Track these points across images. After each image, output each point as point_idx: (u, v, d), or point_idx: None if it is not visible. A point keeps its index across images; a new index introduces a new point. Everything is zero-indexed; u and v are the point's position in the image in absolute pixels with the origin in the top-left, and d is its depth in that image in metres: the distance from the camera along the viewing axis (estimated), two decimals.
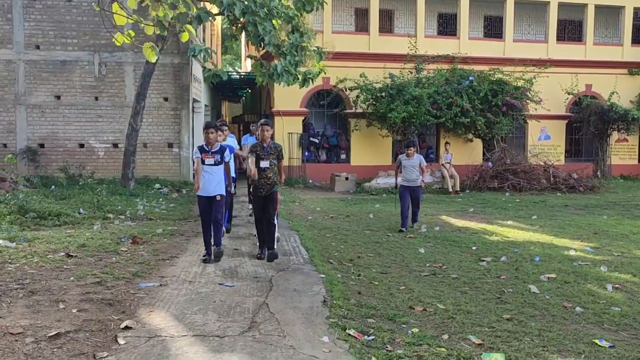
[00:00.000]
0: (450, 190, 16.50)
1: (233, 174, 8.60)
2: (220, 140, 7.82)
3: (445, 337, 4.70)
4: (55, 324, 4.39)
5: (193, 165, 7.40)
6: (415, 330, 4.80)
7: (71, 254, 6.93)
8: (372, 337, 4.56)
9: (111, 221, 9.78)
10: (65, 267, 6.30)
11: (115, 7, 5.58)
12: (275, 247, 7.22)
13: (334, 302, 5.36)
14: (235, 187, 8.90)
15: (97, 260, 6.72)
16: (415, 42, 19.00)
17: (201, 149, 7.03)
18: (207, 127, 7.01)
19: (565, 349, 4.50)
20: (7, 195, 10.61)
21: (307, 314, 4.96)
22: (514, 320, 5.18)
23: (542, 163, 17.97)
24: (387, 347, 4.39)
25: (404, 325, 4.93)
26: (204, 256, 7.00)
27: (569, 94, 20.31)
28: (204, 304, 5.08)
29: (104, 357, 3.83)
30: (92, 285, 5.57)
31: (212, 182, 6.94)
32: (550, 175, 17.19)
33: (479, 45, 20.17)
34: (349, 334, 4.53)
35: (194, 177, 7.20)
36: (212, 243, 7.04)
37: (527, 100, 18.78)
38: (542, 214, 12.43)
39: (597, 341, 4.66)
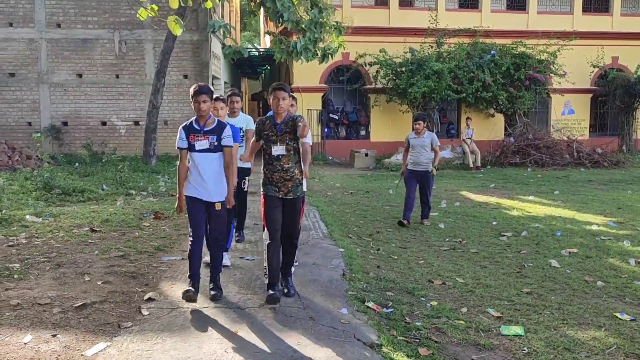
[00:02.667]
0: (471, 166, 16.35)
1: (245, 165, 5.93)
2: (223, 116, 5.42)
3: (464, 310, 4.72)
4: (81, 295, 4.51)
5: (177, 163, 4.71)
6: (434, 303, 4.83)
7: (95, 228, 7.08)
8: (390, 310, 4.60)
9: (133, 197, 9.93)
10: (89, 241, 6.44)
11: None
12: (290, 280, 4.85)
13: (353, 275, 5.40)
14: (247, 181, 6.35)
15: (120, 235, 6.85)
16: (436, 16, 18.65)
17: (188, 130, 4.52)
18: (198, 92, 4.46)
19: (585, 322, 4.48)
20: (33, 172, 10.82)
21: (326, 287, 5.01)
22: (534, 294, 5.16)
23: (565, 138, 17.66)
24: (405, 319, 4.42)
25: (423, 299, 4.96)
26: (185, 292, 4.43)
27: (594, 66, 19.80)
28: (224, 277, 5.16)
29: (129, 327, 3.93)
30: (116, 258, 5.70)
31: (208, 179, 4.50)
32: (574, 150, 16.90)
33: (501, 18, 19.71)
34: (368, 307, 4.58)
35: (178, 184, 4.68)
36: (211, 278, 4.69)
37: (551, 74, 18.38)
38: (564, 189, 12.26)
39: (618, 314, 4.63)
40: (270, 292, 4.44)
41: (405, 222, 8.09)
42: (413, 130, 8.25)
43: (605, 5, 21.18)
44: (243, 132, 6.14)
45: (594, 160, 16.68)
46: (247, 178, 6.34)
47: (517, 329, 4.30)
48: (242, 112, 6.44)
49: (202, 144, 4.49)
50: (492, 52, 17.87)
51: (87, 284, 4.82)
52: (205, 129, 4.53)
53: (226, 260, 5.46)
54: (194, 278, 4.54)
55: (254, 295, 4.74)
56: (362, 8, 19.06)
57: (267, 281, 4.57)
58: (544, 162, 16.44)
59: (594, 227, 8.15)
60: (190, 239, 4.54)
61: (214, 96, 4.85)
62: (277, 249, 4.57)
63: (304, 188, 4.77)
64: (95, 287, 4.75)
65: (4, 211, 7.54)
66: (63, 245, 6.20)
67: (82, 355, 3.44)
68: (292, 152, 4.54)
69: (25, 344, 3.57)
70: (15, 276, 4.93)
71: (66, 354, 3.45)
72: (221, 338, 3.83)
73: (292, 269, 4.94)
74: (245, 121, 6.28)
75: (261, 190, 4.65)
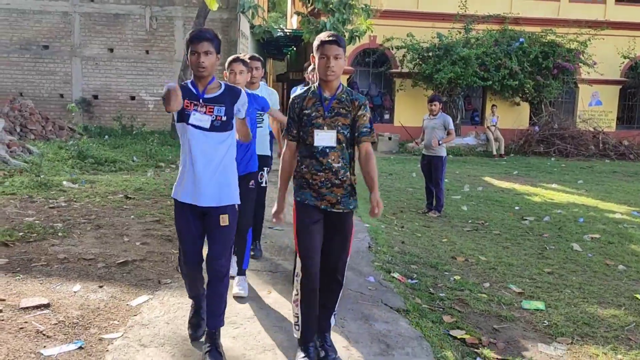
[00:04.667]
0: (495, 153, 16.35)
1: (263, 151, 4.74)
2: (242, 84, 4.04)
3: (487, 285, 4.88)
4: (122, 254, 4.77)
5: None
6: (457, 277, 4.99)
7: (129, 195, 7.35)
8: (415, 281, 4.77)
9: (162, 169, 10.21)
10: (125, 207, 6.71)
11: None
12: (329, 338, 3.23)
13: (379, 248, 5.58)
14: (267, 174, 4.83)
15: (153, 203, 7.11)
16: (465, 1, 18.51)
17: (183, 92, 2.97)
18: (194, 37, 2.97)
19: (605, 301, 4.60)
20: (67, 142, 11.16)
21: (353, 257, 5.17)
22: (555, 274, 5.29)
23: (591, 129, 17.52)
24: (430, 290, 4.60)
25: (446, 273, 5.12)
26: (190, 326, 3.32)
27: (625, 57, 19.48)
28: None
29: (168, 283, 4.16)
30: (151, 223, 5.95)
31: (206, 174, 3.03)
32: (599, 142, 16.78)
33: (532, 5, 19.47)
34: (393, 277, 4.75)
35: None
36: (207, 335, 3.08)
37: (580, 64, 18.17)
38: (588, 179, 12.25)
39: (638, 295, 4.74)
40: (302, 355, 3.06)
41: (427, 210, 7.94)
42: (428, 113, 8.01)
43: None
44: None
45: (619, 152, 16.57)
46: (265, 169, 4.79)
47: (538, 304, 4.45)
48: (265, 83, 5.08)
49: (200, 118, 3.00)
50: (521, 39, 17.70)
51: (127, 244, 5.07)
52: (205, 96, 3.03)
53: (242, 288, 4.00)
54: (197, 301, 3.33)
55: (285, 261, 4.95)
56: None
57: (297, 336, 3.16)
58: (568, 152, 16.37)
59: (617, 216, 8.19)
60: (181, 258, 3.23)
61: (234, 57, 3.65)
62: (314, 288, 3.10)
63: (356, 203, 3.22)
64: (135, 247, 5.00)
65: (42, 176, 7.85)
66: (100, 209, 6.48)
67: (127, 304, 3.69)
68: (345, 144, 3.08)
69: (75, 292, 3.83)
70: (60, 234, 5.21)
71: (113, 303, 3.70)
72: (255, 296, 4.04)
73: (333, 320, 3.28)
74: (268, 94, 4.74)
75: (293, 196, 3.20)
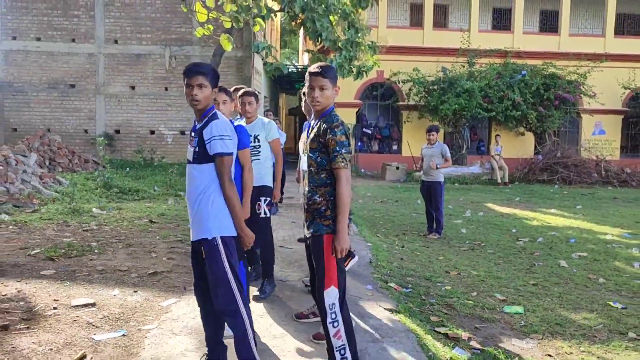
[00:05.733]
0: (499, 181, 16.92)
1: (260, 182, 4.70)
2: (226, 114, 3.86)
3: (474, 294, 5.45)
4: (151, 266, 5.45)
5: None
6: (448, 287, 5.57)
7: (153, 220, 8.06)
8: (409, 290, 5.37)
9: (182, 198, 10.93)
10: (150, 229, 7.41)
11: (198, 6, 6.58)
12: None
13: (378, 263, 6.19)
14: (265, 204, 4.77)
15: (175, 226, 7.80)
16: (469, 37, 19.40)
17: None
18: (188, 71, 3.09)
19: (580, 307, 5.15)
20: (93, 173, 11.98)
21: (354, 271, 5.81)
22: (539, 285, 5.84)
23: (594, 157, 18.05)
24: (422, 297, 5.19)
25: (439, 284, 5.71)
26: None
27: (625, 88, 20.15)
28: None
29: (191, 289, 4.80)
30: (175, 242, 6.64)
31: (189, 208, 3.14)
32: (602, 169, 17.28)
33: (533, 39, 20.31)
34: (390, 286, 5.36)
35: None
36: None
37: (581, 95, 18.83)
38: (587, 204, 12.75)
39: (610, 303, 5.28)
40: None
41: (428, 233, 8.45)
42: (427, 141, 8.54)
43: (637, 29, 21.56)
44: (258, 140, 4.84)
45: (622, 180, 17.03)
46: (263, 199, 4.73)
47: (518, 308, 5.02)
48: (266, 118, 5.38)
49: (189, 150, 3.14)
50: (523, 72, 18.48)
51: (155, 259, 5.75)
52: (196, 127, 3.14)
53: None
54: (208, 347, 3.29)
55: (293, 272, 5.59)
56: (398, 28, 19.98)
57: None
58: (571, 179, 16.88)
59: (608, 237, 8.71)
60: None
61: (219, 85, 3.26)
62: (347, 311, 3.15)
63: (330, 228, 3.06)
64: (162, 261, 5.68)
65: (73, 204, 8.60)
66: (128, 231, 7.19)
67: (159, 305, 4.34)
68: (314, 169, 3.11)
69: (114, 295, 4.50)
70: (96, 251, 5.92)
71: (147, 304, 4.35)
72: (267, 300, 4.68)
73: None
74: (263, 127, 4.88)
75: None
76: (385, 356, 3.55)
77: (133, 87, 17.12)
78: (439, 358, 3.66)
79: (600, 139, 20.64)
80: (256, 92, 4.98)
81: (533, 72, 18.62)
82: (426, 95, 18.51)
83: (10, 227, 7.07)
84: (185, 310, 4.23)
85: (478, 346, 4.06)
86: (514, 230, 9.12)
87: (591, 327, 4.63)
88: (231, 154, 3.04)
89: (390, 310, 4.50)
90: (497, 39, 19.90)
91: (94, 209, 8.61)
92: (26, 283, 4.72)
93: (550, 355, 4.01)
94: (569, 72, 18.62)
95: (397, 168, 17.77)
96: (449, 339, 4.17)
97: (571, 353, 4.06)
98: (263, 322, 4.10)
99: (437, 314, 4.71)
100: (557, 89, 18.25)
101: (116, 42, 16.99)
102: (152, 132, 17.30)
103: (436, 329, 4.33)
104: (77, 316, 3.96)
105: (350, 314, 3.31)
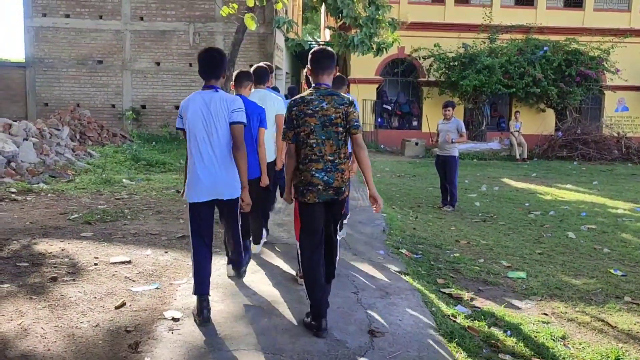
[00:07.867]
0: (518, 157, 17.03)
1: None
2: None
3: (481, 260, 5.78)
4: (180, 231, 5.89)
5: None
6: (457, 255, 5.91)
7: (179, 190, 8.51)
8: (419, 256, 5.73)
9: None
10: (177, 199, 7.86)
11: None
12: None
13: (391, 232, 6.55)
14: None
15: None
16: (491, 13, 19.29)
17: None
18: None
19: (581, 274, 5.45)
20: (122, 146, 12.50)
21: (368, 237, 6.19)
22: (544, 254, 6.14)
23: (615, 134, 17.99)
24: (430, 262, 5.55)
25: (448, 251, 6.05)
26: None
27: None
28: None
29: (218, 252, 5.23)
30: None
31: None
32: (622, 146, 17.23)
33: (556, 14, 20.08)
34: (401, 252, 5.72)
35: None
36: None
37: (604, 71, 18.66)
38: (604, 180, 12.86)
39: (611, 270, 5.56)
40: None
41: (442, 205, 8.75)
42: (443, 116, 8.74)
43: None
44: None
45: None
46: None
47: (521, 274, 5.35)
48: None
49: None
50: (545, 48, 18.35)
51: (182, 225, 6.19)
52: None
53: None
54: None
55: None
56: (419, 4, 19.93)
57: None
58: (591, 156, 16.90)
59: (619, 211, 8.91)
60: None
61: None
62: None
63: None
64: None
65: (105, 175, 9.10)
66: (157, 200, 7.66)
67: (187, 264, 4.77)
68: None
69: (147, 255, 4.95)
70: (129, 217, 6.39)
71: (177, 262, 4.79)
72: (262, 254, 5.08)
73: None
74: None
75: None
76: (391, 310, 3.92)
77: (158, 63, 17.54)
78: (442, 312, 4.03)
79: (623, 115, 20.47)
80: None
81: (555, 48, 18.47)
82: (447, 71, 18.56)
83: (49, 195, 7.60)
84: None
85: (479, 305, 4.42)
86: (526, 204, 9.36)
87: (589, 291, 4.93)
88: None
89: (399, 272, 4.86)
90: (520, 15, 19.73)
91: (124, 180, 9.10)
92: (68, 243, 5.20)
93: (546, 314, 4.34)
94: (592, 48, 18.43)
95: (417, 144, 17.98)
96: (452, 298, 4.52)
97: (566, 312, 4.39)
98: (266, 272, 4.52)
99: (444, 277, 5.06)
100: (579, 65, 18.11)
101: (142, 18, 17.37)
102: (177, 107, 17.75)
103: (441, 289, 4.69)
104: (115, 271, 4.42)
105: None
